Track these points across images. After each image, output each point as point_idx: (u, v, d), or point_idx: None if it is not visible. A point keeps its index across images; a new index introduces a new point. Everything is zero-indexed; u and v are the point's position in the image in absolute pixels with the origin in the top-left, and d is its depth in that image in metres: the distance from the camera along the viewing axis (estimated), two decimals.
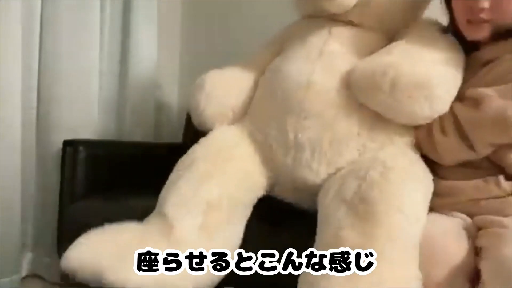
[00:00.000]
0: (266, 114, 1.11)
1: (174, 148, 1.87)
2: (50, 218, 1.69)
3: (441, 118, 0.96)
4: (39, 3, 1.66)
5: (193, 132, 1.51)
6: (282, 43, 1.21)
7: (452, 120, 0.95)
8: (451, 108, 0.95)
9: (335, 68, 1.05)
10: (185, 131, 1.93)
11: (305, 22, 1.18)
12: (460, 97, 0.96)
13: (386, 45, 1.06)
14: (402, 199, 0.87)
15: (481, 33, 0.93)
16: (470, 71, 0.98)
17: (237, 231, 1.06)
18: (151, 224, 1.05)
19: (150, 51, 2.03)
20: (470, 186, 0.94)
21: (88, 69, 1.79)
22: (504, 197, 0.90)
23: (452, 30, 1.03)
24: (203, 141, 1.13)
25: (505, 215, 0.89)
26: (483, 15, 0.90)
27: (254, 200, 1.11)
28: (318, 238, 0.92)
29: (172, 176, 1.11)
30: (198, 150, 1.12)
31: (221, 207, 1.03)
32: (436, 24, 1.10)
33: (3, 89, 1.53)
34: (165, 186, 1.10)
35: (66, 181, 1.60)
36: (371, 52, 1.04)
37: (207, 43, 2.21)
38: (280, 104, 1.07)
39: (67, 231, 1.48)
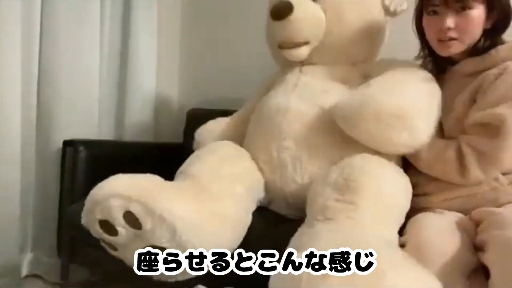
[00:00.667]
0: (256, 141, 1.25)
1: (174, 148, 1.88)
2: (50, 218, 1.69)
3: (456, 159, 0.98)
4: (39, 3, 1.66)
5: (193, 132, 1.52)
6: (268, 88, 1.38)
7: (474, 156, 0.97)
8: (466, 142, 0.98)
9: (308, 96, 1.20)
10: (185, 131, 1.93)
11: (283, 69, 1.36)
12: (465, 125, 1.00)
13: (348, 72, 1.24)
14: (382, 178, 0.97)
15: (452, 49, 1.04)
16: (454, 84, 1.07)
17: (250, 213, 1.14)
18: (179, 183, 1.11)
19: (150, 51, 2.04)
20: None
21: (88, 69, 1.79)
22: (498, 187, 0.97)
23: (427, 50, 1.14)
24: (222, 141, 1.29)
25: (499, 205, 0.94)
26: (450, 34, 1.01)
27: (259, 195, 1.20)
28: (308, 212, 0.99)
29: (190, 158, 1.20)
30: (215, 143, 1.27)
31: (244, 181, 1.14)
32: (409, 61, 1.21)
33: (3, 89, 1.53)
34: (183, 164, 1.18)
35: (66, 181, 1.61)
36: (337, 79, 1.22)
37: (207, 43, 2.22)
38: (265, 130, 1.22)
39: (67, 231, 1.49)
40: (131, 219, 0.94)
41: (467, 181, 0.98)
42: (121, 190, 0.96)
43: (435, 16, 1.03)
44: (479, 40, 1.03)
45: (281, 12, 1.18)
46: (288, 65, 1.31)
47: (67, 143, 1.64)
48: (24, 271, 1.71)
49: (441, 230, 0.89)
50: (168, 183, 1.07)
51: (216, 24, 2.19)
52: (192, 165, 1.15)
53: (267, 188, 1.21)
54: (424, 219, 0.95)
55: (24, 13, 1.60)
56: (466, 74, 1.05)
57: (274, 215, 1.20)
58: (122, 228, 0.95)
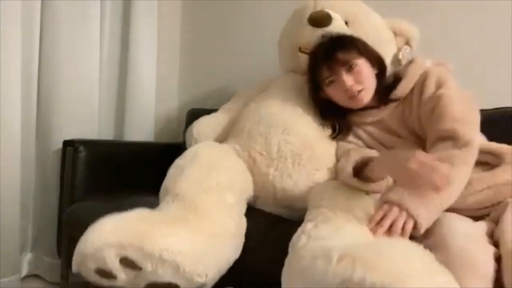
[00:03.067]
0: (252, 131, 1.25)
1: (174, 148, 1.87)
2: (50, 218, 1.69)
3: None
4: (39, 3, 1.66)
5: None
6: (267, 86, 1.42)
7: None
8: None
9: None
10: (185, 131, 1.93)
11: (285, 75, 1.44)
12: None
13: None
14: None
15: (365, 99, 1.18)
16: (392, 116, 1.20)
17: (243, 216, 1.13)
18: (167, 207, 1.06)
19: (150, 51, 2.04)
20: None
21: (88, 69, 1.79)
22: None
23: (332, 110, 1.24)
24: (197, 144, 1.27)
25: None
26: (356, 88, 1.16)
27: (249, 194, 1.20)
28: (309, 209, 0.99)
29: (172, 171, 1.16)
30: (196, 147, 1.23)
31: (232, 189, 1.12)
32: None
33: (3, 89, 1.53)
34: (167, 179, 1.14)
35: (66, 181, 1.60)
36: None
37: (207, 43, 2.22)
38: (266, 123, 1.24)
39: (67, 231, 1.48)
40: (129, 263, 0.91)
41: None
42: (111, 239, 0.91)
43: (334, 84, 1.18)
44: (380, 82, 1.20)
45: (321, 20, 1.29)
46: (292, 71, 1.39)
47: (67, 143, 1.64)
48: (24, 271, 1.71)
49: (473, 241, 0.86)
50: (157, 215, 1.02)
51: (216, 24, 2.19)
52: (177, 181, 1.10)
53: (256, 182, 1.21)
54: (451, 223, 0.91)
55: (24, 13, 1.59)
56: (376, 120, 1.21)
57: (272, 217, 1.20)
58: (121, 272, 0.91)
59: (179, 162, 1.18)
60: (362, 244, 0.80)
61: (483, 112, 1.45)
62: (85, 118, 1.79)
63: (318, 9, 1.34)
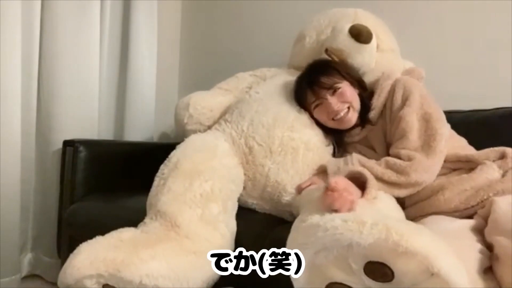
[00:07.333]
0: (253, 122, 1.24)
1: (174, 148, 1.88)
2: (50, 218, 1.69)
3: None
4: (39, 3, 1.66)
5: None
6: (266, 76, 1.44)
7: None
8: None
9: None
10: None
11: (293, 72, 1.40)
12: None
13: None
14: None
15: (352, 119, 1.24)
16: (377, 130, 1.25)
17: (233, 219, 1.13)
18: (149, 225, 1.05)
19: (150, 51, 2.04)
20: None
21: (88, 69, 1.79)
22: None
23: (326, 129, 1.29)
24: (181, 146, 1.22)
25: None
26: (341, 109, 1.21)
27: (239, 193, 1.19)
28: (304, 209, 0.97)
29: (156, 182, 1.14)
30: (179, 153, 1.18)
31: (216, 198, 1.10)
32: None
33: (3, 89, 1.53)
34: (151, 192, 1.12)
35: (66, 181, 1.61)
36: None
37: (207, 43, 2.21)
38: (272, 116, 1.24)
39: (67, 231, 1.49)
40: (112, 287, 0.91)
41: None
42: (89, 271, 0.91)
43: (320, 106, 1.24)
44: (363, 101, 1.25)
45: (364, 36, 1.28)
46: (299, 69, 1.37)
47: (67, 143, 1.64)
48: (24, 271, 1.71)
49: (454, 233, 0.90)
50: (138, 237, 1.00)
51: (216, 24, 2.19)
52: (159, 195, 1.08)
53: (247, 171, 1.20)
54: (432, 221, 0.96)
55: (24, 13, 1.59)
56: (379, 117, 1.25)
57: (268, 218, 1.20)
58: None
59: (163, 170, 1.15)
60: (390, 218, 0.81)
61: (483, 112, 1.47)
62: (85, 118, 1.79)
63: (357, 21, 1.32)
